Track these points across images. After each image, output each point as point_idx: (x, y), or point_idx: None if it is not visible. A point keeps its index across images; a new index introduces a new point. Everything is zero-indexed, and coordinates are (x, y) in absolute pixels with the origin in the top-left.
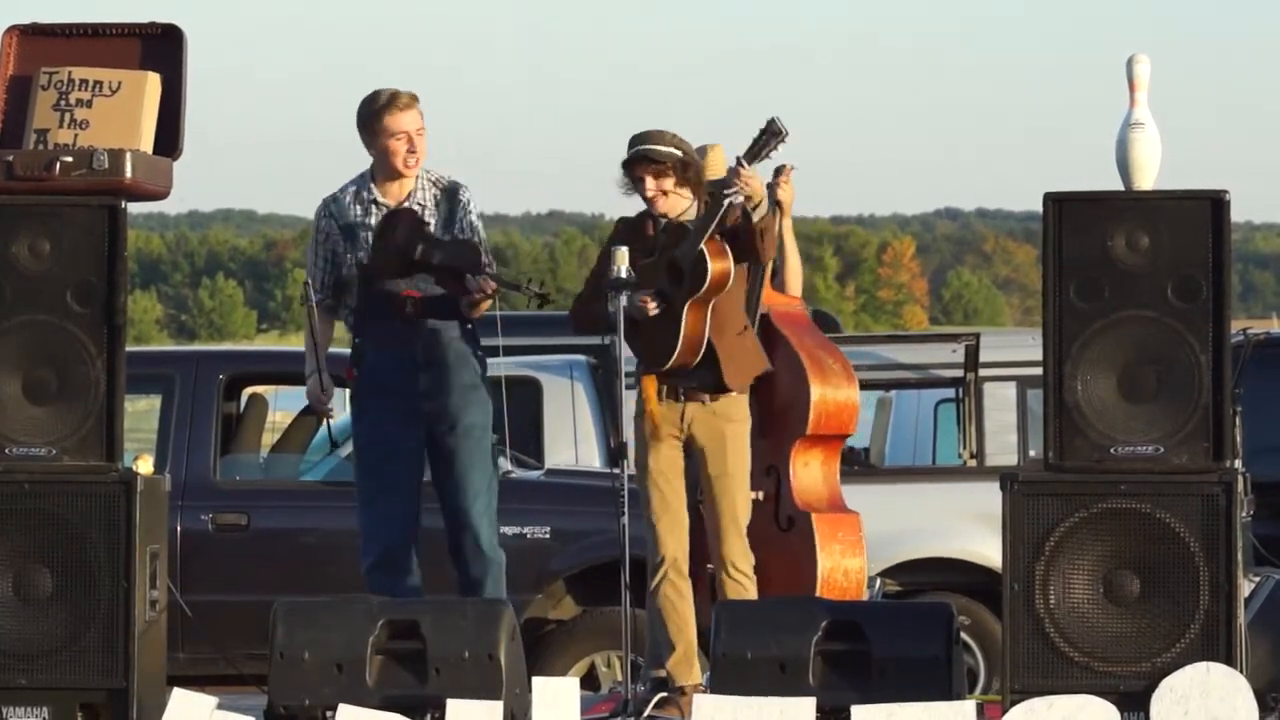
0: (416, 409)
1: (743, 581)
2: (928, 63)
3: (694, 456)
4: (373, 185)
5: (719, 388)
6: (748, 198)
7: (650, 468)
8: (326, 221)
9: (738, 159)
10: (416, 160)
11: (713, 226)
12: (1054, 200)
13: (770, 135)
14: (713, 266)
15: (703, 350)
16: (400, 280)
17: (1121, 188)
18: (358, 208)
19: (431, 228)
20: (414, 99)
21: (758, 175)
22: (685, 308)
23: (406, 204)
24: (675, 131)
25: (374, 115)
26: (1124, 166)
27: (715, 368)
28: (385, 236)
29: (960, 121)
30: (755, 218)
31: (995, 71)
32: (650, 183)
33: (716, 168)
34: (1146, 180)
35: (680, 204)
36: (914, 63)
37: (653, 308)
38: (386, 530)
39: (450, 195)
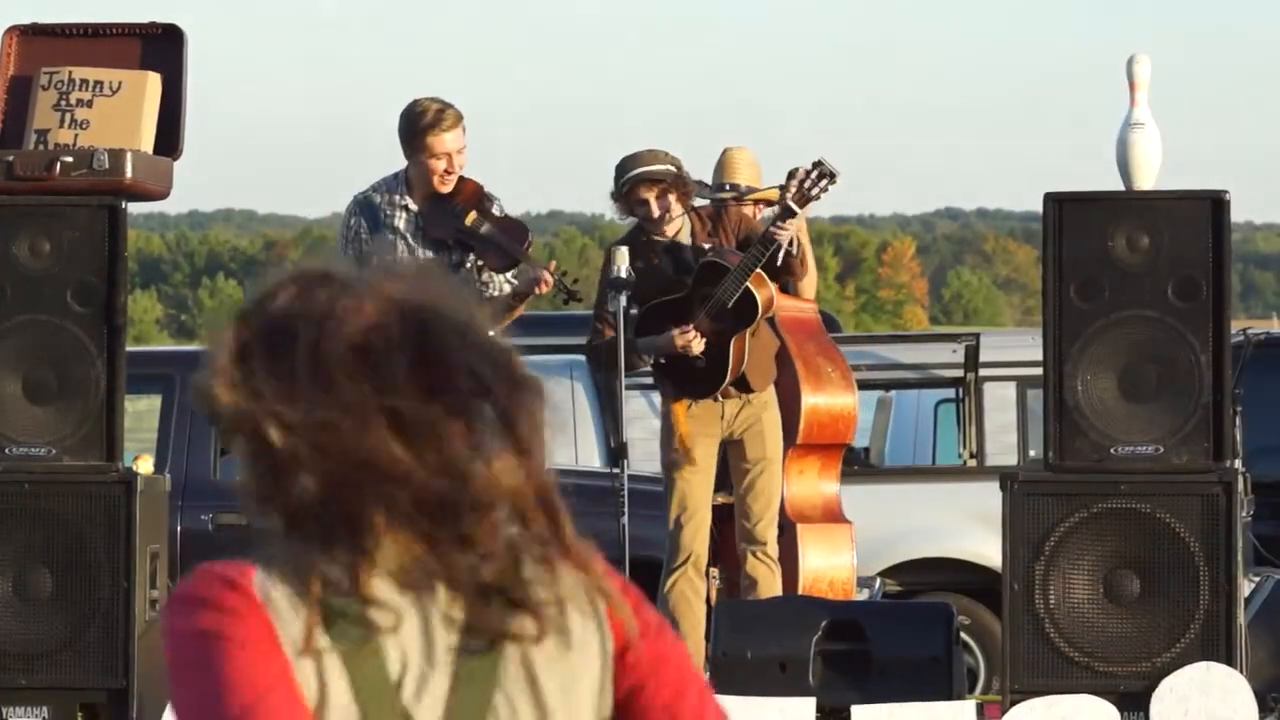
0: None
1: (769, 564)
2: (928, 63)
3: (732, 447)
4: (406, 190)
5: (746, 389)
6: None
7: (683, 465)
8: (356, 219)
9: (788, 203)
10: (453, 180)
11: (752, 274)
12: (1054, 200)
13: (820, 176)
14: (760, 297)
15: (743, 370)
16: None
17: (1121, 188)
18: (389, 210)
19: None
20: (458, 119)
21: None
22: (732, 343)
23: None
24: (660, 147)
25: (416, 133)
26: (1124, 166)
27: (742, 377)
28: (446, 198)
29: (960, 121)
30: (794, 252)
31: (995, 71)
32: (654, 204)
33: (734, 169)
34: (1146, 180)
35: (677, 220)
36: (914, 63)
37: (697, 348)
38: None
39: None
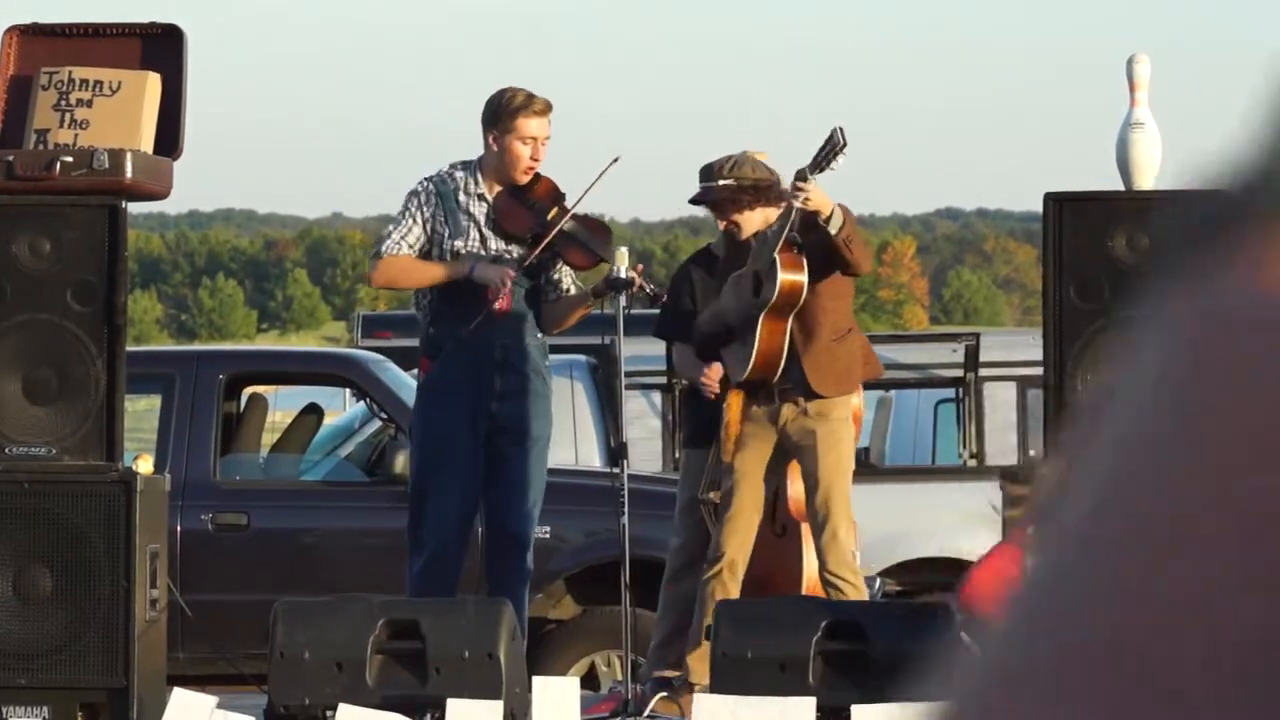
0: (484, 408)
1: (838, 585)
2: (928, 63)
3: (785, 457)
4: (480, 178)
5: (810, 394)
6: (815, 211)
7: (736, 467)
8: (428, 196)
9: (800, 171)
10: (534, 170)
11: (781, 241)
12: (1054, 200)
13: (832, 146)
14: (782, 278)
15: (781, 364)
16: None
17: (1121, 188)
18: (464, 197)
19: None
20: (548, 107)
21: (819, 188)
22: (760, 319)
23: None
24: (744, 152)
25: (508, 114)
26: (1124, 166)
27: (804, 375)
28: (523, 192)
29: (960, 121)
30: (833, 230)
31: (995, 71)
32: (718, 220)
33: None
34: (1146, 180)
35: (759, 222)
36: (914, 62)
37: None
38: (440, 529)
39: None
